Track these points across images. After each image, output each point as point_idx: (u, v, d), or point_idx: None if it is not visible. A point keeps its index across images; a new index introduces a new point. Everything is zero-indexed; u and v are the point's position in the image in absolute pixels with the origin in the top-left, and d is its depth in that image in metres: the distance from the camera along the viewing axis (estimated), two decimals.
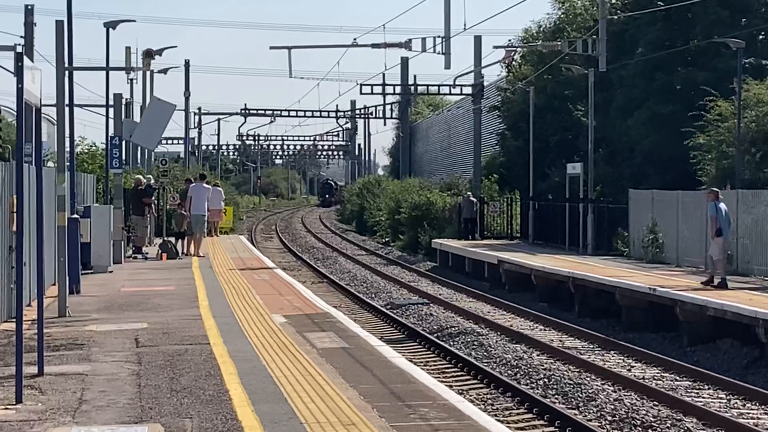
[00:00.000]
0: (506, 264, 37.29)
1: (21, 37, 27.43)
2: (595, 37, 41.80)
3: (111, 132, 36.13)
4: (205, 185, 36.79)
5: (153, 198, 37.95)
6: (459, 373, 21.04)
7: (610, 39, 41.47)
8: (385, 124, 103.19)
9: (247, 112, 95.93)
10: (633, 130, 44.30)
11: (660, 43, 43.98)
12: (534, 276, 34.26)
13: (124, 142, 36.97)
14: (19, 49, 28.87)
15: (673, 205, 34.71)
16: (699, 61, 43.41)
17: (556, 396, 18.97)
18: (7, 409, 11.94)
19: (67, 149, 26.43)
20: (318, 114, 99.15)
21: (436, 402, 12.31)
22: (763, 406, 18.24)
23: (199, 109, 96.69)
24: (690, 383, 20.25)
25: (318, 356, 15.22)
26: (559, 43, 46.17)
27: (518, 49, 55.87)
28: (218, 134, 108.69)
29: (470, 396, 18.38)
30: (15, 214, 15.79)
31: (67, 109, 24.59)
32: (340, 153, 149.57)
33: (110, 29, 39.58)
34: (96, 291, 24.50)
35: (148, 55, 26.41)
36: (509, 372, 21.27)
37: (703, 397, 18.97)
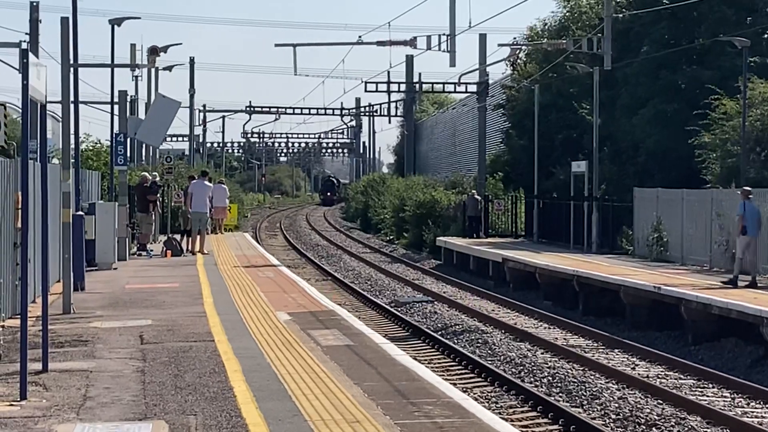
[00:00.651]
0: (511, 262, 37.29)
1: (26, 33, 27.44)
2: (600, 35, 41.74)
3: (116, 129, 36.15)
4: (206, 182, 36.68)
5: (158, 195, 38.00)
6: (463, 371, 21.04)
7: (615, 37, 41.41)
8: (389, 122, 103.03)
9: (251, 109, 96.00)
10: (638, 128, 44.21)
11: (665, 42, 43.91)
12: (538, 274, 34.26)
13: (129, 139, 36.96)
14: (24, 45, 28.81)
15: (678, 203, 34.68)
16: (704, 59, 43.33)
17: (560, 394, 18.96)
18: (11, 405, 11.96)
19: (72, 146, 26.47)
20: (323, 111, 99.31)
21: (441, 399, 12.31)
22: (767, 405, 18.23)
23: (204, 106, 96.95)
24: (694, 382, 20.24)
25: (322, 353, 15.22)
26: (564, 41, 46.15)
27: (523, 48, 55.78)
28: (223, 131, 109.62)
29: (474, 394, 18.37)
30: (20, 211, 15.82)
31: (72, 106, 24.60)
32: (345, 150, 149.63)
33: (115, 26, 39.62)
34: (100, 288, 24.53)
35: (153, 52, 26.47)
36: (513, 370, 21.27)
37: (708, 396, 18.96)
